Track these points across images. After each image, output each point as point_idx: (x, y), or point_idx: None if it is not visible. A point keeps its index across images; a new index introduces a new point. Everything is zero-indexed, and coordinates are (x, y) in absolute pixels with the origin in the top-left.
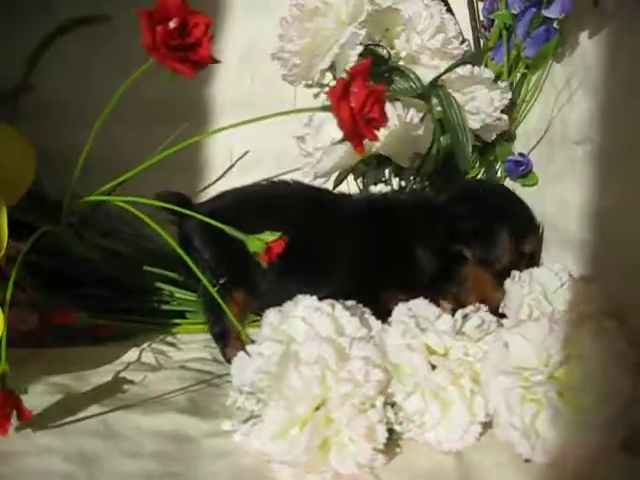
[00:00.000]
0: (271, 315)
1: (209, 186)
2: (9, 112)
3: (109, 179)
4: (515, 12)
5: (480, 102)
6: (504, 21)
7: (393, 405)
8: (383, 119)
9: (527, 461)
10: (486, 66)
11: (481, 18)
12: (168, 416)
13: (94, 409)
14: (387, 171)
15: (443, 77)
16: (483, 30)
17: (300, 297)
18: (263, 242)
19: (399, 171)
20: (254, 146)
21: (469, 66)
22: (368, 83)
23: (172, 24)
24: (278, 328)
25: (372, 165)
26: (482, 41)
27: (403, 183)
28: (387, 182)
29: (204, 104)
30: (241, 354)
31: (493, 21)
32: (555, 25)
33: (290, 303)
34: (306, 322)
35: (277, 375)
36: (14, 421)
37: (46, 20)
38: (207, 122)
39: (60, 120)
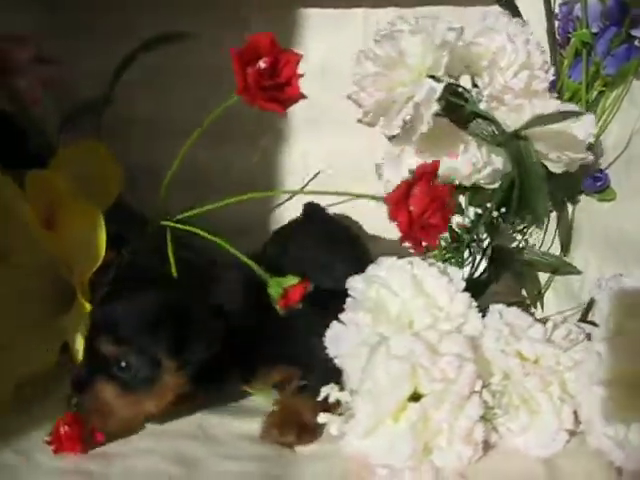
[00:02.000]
0: (356, 281)
1: (284, 203)
2: (95, 128)
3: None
4: (595, 31)
5: (565, 147)
6: (583, 40)
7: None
8: (445, 226)
9: (619, 470)
10: (562, 85)
11: (556, 36)
12: (259, 421)
13: (187, 414)
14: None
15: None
16: (558, 47)
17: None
18: (280, 287)
19: (473, 199)
20: (329, 163)
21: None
22: (434, 184)
23: (263, 64)
24: (366, 294)
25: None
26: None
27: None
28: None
29: (279, 120)
30: (335, 324)
31: (569, 38)
32: (637, 43)
33: (373, 265)
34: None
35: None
36: None
37: (128, 38)
38: (283, 138)
39: (140, 136)
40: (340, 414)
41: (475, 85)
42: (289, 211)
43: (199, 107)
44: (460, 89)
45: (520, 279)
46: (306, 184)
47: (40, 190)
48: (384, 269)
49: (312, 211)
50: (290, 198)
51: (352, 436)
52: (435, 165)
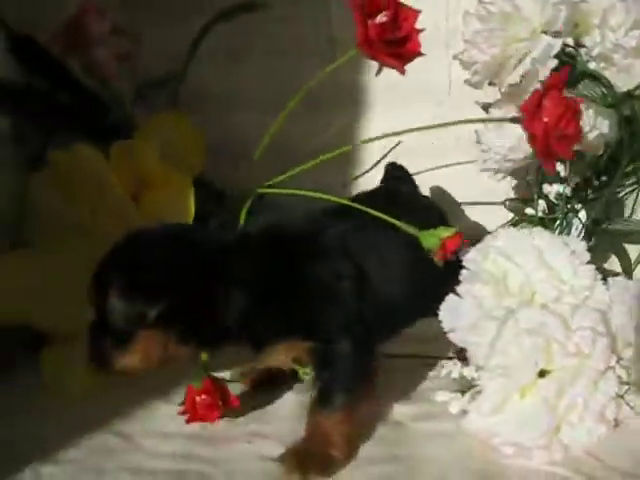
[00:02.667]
0: (472, 253)
1: (362, 175)
2: (169, 102)
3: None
4: None
5: None
6: None
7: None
8: (578, 136)
9: None
10: None
11: None
12: None
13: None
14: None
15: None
16: None
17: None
18: (437, 238)
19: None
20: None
21: None
22: (564, 96)
23: (384, 17)
24: (482, 266)
25: None
26: None
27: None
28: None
29: (359, 92)
30: (451, 297)
31: None
32: None
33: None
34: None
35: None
36: None
37: (202, 9)
38: (363, 110)
39: (213, 110)
40: (462, 391)
41: (580, 45)
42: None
43: (272, 80)
44: (569, 48)
45: (616, 250)
46: (385, 154)
47: (126, 161)
48: (502, 239)
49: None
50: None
51: (477, 414)
52: (563, 74)
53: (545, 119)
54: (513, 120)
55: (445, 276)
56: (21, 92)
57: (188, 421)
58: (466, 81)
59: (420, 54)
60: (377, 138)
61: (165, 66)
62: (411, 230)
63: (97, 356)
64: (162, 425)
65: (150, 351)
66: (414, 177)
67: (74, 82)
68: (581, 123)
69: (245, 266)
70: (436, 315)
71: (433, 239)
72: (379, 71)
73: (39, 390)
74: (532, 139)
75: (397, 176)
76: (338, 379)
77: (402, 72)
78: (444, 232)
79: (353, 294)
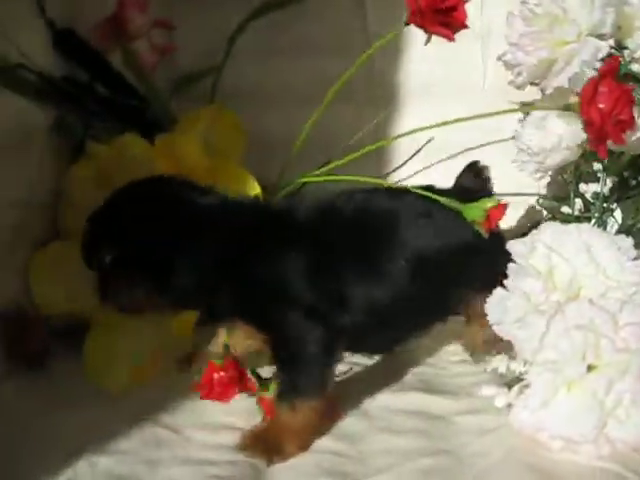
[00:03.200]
0: (518, 245)
1: (394, 171)
2: (207, 96)
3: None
4: None
5: None
6: None
7: None
8: (632, 122)
9: None
10: None
11: None
12: (409, 395)
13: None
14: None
15: None
16: None
17: (547, 223)
18: (481, 209)
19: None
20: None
21: None
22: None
23: None
24: (529, 260)
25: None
26: None
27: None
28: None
29: (393, 87)
30: (499, 291)
31: None
32: None
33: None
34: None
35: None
36: None
37: (240, 4)
38: (398, 107)
39: (248, 105)
40: (509, 386)
41: (623, 47)
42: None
43: (307, 75)
44: (613, 50)
45: None
46: (418, 150)
47: (169, 154)
48: (549, 234)
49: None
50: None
51: (524, 408)
52: (615, 61)
53: (601, 105)
54: (567, 108)
55: (445, 289)
56: (63, 85)
57: (203, 397)
58: (510, 82)
59: (466, 25)
60: (413, 131)
61: (202, 60)
62: (453, 204)
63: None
64: (210, 417)
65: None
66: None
67: (114, 75)
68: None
69: (212, 234)
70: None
71: (477, 211)
72: (428, 40)
73: (79, 381)
74: (588, 126)
75: (474, 175)
76: (290, 375)
77: (452, 39)
78: (488, 203)
79: (312, 292)
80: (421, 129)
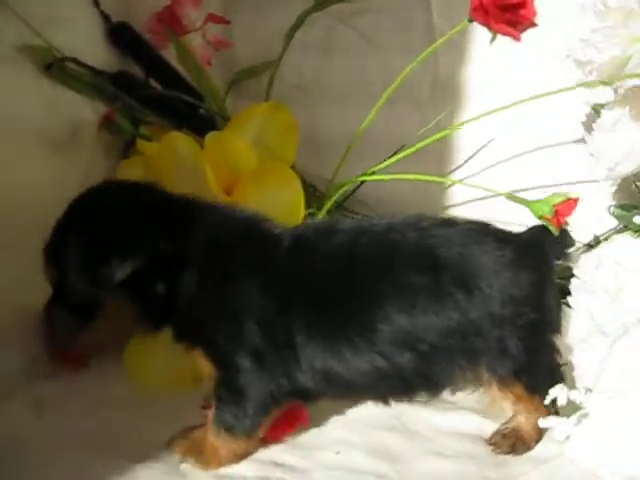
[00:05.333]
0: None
1: (455, 170)
2: (264, 92)
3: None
4: None
5: None
6: None
7: None
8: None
9: None
10: None
11: None
12: (462, 415)
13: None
14: None
15: None
16: None
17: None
18: (550, 206)
19: None
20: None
21: None
22: None
23: None
24: (594, 276)
25: None
26: None
27: None
28: None
29: (457, 87)
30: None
31: None
32: None
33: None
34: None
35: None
36: None
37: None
38: (459, 107)
39: (303, 101)
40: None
41: None
42: None
43: (364, 72)
44: None
45: None
46: (479, 149)
47: (219, 153)
48: (619, 248)
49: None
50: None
51: (582, 439)
52: None
53: None
54: None
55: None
56: (115, 80)
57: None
58: (580, 83)
59: (534, 24)
60: (475, 118)
61: (259, 56)
62: (520, 200)
63: (58, 336)
64: None
65: (113, 323)
66: None
67: (168, 70)
68: None
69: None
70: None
71: (546, 207)
72: (493, 39)
73: (122, 381)
74: None
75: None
76: (222, 412)
77: (518, 39)
78: (556, 199)
79: (264, 338)
80: (489, 112)
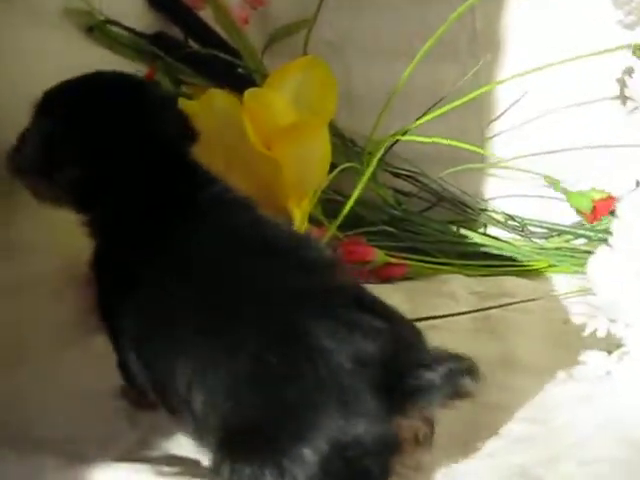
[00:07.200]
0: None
1: (493, 121)
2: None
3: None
4: None
5: None
6: None
7: None
8: None
9: None
10: None
11: None
12: None
13: None
14: None
15: None
16: None
17: None
18: (589, 199)
19: None
20: (549, 84)
21: None
22: None
23: None
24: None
25: None
26: None
27: None
28: None
29: (493, 40)
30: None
31: None
32: None
33: None
34: None
35: None
36: None
37: None
38: (498, 59)
39: (339, 58)
40: (608, 351)
41: None
42: None
43: (401, 28)
44: None
45: None
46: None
47: (258, 110)
48: None
49: None
50: None
51: (623, 376)
52: None
53: None
54: None
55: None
56: (155, 41)
57: None
58: (619, 22)
59: None
60: (514, 76)
61: (295, 12)
62: (560, 188)
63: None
64: None
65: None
66: None
67: (206, 30)
68: None
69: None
70: None
71: (585, 200)
72: None
73: None
74: None
75: None
76: None
77: None
78: (596, 194)
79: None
80: (527, 72)
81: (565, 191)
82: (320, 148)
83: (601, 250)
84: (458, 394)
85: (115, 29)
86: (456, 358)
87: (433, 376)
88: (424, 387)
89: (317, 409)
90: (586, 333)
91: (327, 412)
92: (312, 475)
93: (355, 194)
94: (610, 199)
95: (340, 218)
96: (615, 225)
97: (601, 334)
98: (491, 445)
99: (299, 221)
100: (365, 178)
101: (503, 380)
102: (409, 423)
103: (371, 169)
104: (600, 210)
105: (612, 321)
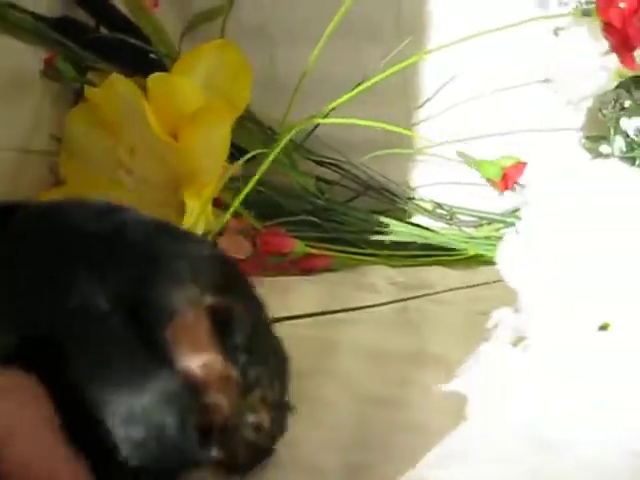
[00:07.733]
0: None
1: (420, 107)
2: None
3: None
4: None
5: None
6: None
7: None
8: None
9: None
10: None
11: None
12: None
13: None
14: None
15: None
16: None
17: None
18: (498, 167)
19: None
20: (478, 67)
21: None
22: None
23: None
24: None
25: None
26: None
27: None
28: None
29: (419, 21)
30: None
31: None
32: None
33: None
34: None
35: None
36: None
37: None
38: (423, 40)
39: (259, 41)
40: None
41: None
42: None
43: (319, 8)
44: None
45: None
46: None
47: (164, 96)
48: None
49: None
50: None
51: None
52: None
53: (621, 5)
54: (584, 13)
55: None
56: (58, 25)
57: None
58: None
59: None
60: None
61: None
62: (468, 159)
63: None
64: None
65: None
66: None
67: (115, 14)
68: None
69: None
70: None
71: (494, 168)
72: None
73: None
74: (608, 29)
75: None
76: None
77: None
78: (506, 161)
79: None
80: (453, 43)
81: (475, 161)
82: (224, 135)
83: (509, 236)
84: None
85: (15, 13)
86: None
87: None
88: None
89: None
90: (489, 325)
91: None
92: None
93: (257, 176)
94: (520, 165)
95: (240, 199)
96: (523, 211)
97: (505, 326)
98: None
99: (198, 210)
100: (269, 159)
101: (407, 375)
102: None
103: (277, 149)
104: (511, 176)
105: (516, 312)
